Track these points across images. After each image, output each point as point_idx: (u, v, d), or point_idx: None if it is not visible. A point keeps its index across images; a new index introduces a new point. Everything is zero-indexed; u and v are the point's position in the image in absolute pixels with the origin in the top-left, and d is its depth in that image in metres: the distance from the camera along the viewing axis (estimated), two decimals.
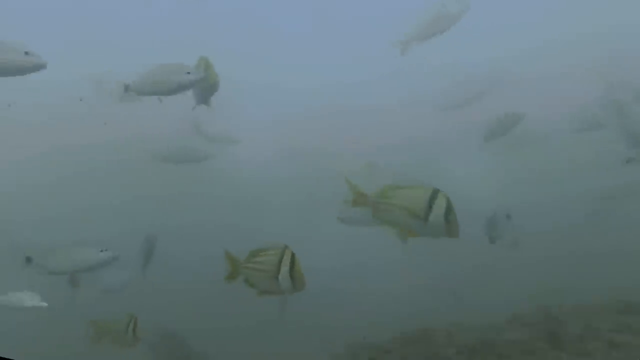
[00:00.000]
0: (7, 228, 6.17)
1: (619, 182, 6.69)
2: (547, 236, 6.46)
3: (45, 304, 4.62)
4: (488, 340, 3.79)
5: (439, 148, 8.59)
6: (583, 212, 6.89)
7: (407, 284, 5.88)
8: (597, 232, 6.26)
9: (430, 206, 2.44)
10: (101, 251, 3.55)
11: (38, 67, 3.18)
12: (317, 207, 6.88)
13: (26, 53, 3.15)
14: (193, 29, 9.81)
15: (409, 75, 9.04)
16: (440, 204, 2.44)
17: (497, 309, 4.11)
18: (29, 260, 3.50)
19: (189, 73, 3.40)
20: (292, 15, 11.95)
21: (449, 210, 2.43)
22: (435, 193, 2.46)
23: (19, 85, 3.48)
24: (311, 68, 10.53)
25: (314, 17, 11.96)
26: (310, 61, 10.70)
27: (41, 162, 8.24)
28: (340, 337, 4.39)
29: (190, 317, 5.72)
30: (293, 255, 2.62)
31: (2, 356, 2.23)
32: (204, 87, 3.55)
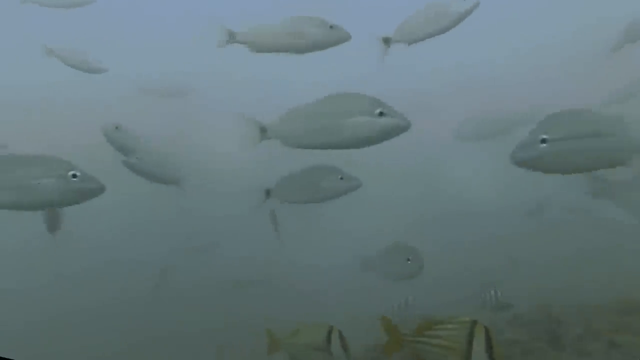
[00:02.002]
0: None
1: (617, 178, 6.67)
2: (547, 235, 6.46)
3: None
4: None
5: (433, 145, 8.57)
6: (581, 209, 6.89)
7: (407, 284, 5.87)
8: (596, 230, 6.27)
9: None
10: (341, 178, 3.28)
11: (342, 40, 3.12)
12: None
13: (331, 27, 3.12)
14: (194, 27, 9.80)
15: (399, 73, 9.02)
16: None
17: (497, 309, 4.12)
18: (268, 193, 3.38)
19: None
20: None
21: None
22: None
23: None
24: (308, 63, 10.49)
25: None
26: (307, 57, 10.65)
27: None
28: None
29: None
30: (487, 330, 2.02)
31: (2, 356, 2.23)
32: None
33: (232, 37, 3.26)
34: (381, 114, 2.34)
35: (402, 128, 2.38)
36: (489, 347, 1.99)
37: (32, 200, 2.32)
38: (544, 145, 2.14)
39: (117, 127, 3.93)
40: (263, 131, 2.47)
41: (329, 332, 2.53)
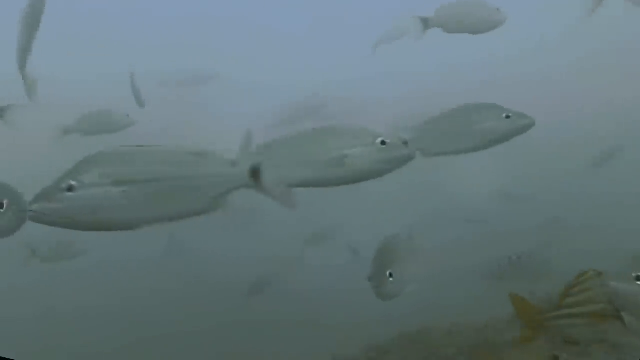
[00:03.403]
0: None
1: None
2: (546, 234, 6.46)
3: None
4: (488, 340, 3.79)
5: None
6: (581, 210, 6.89)
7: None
8: (596, 230, 6.27)
9: None
10: (507, 117, 2.50)
11: (500, 23, 3.09)
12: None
13: (497, 9, 3.07)
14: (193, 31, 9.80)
15: (403, 74, 9.01)
16: None
17: (497, 309, 4.11)
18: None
19: None
20: (288, 15, 12.00)
21: None
22: None
23: None
24: (307, 67, 10.51)
25: (309, 17, 11.98)
26: (305, 60, 10.69)
27: None
28: (341, 337, 4.39)
29: None
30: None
31: (2, 356, 2.23)
32: None
33: (426, 24, 3.22)
34: (507, 117, 2.44)
35: (529, 126, 2.44)
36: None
37: (341, 174, 2.11)
38: (71, 193, 1.72)
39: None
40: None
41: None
